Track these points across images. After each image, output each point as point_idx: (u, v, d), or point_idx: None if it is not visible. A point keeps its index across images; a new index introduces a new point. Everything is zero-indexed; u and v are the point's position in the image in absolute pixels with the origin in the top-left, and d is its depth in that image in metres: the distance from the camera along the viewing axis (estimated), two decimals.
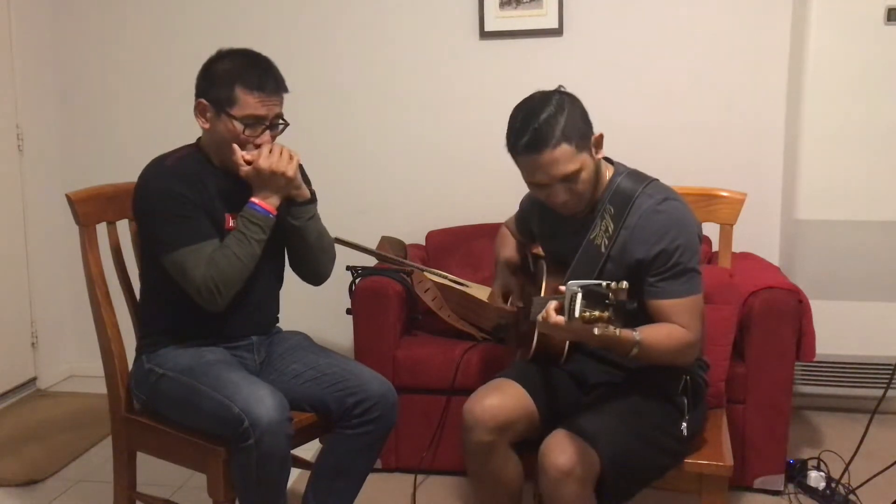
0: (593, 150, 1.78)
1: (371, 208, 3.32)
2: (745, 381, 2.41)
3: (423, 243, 3.16)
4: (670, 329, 1.75)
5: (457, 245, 3.07)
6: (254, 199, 1.91)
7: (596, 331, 1.49)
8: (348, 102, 3.30)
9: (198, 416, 1.86)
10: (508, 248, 2.21)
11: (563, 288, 1.56)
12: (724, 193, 2.33)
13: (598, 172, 1.81)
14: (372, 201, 3.33)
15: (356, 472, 2.02)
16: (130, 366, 2.06)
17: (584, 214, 1.86)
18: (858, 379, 2.94)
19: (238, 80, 1.86)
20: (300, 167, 1.96)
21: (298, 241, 2.03)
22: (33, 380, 3.52)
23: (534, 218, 2.07)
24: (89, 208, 2.03)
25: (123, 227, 2.11)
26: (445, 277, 2.79)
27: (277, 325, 2.19)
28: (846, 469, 2.37)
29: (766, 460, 2.45)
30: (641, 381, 1.86)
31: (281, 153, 1.89)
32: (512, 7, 3.12)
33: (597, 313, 1.45)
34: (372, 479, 2.09)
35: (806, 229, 2.93)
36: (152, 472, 2.37)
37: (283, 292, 2.16)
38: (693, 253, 1.78)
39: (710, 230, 2.47)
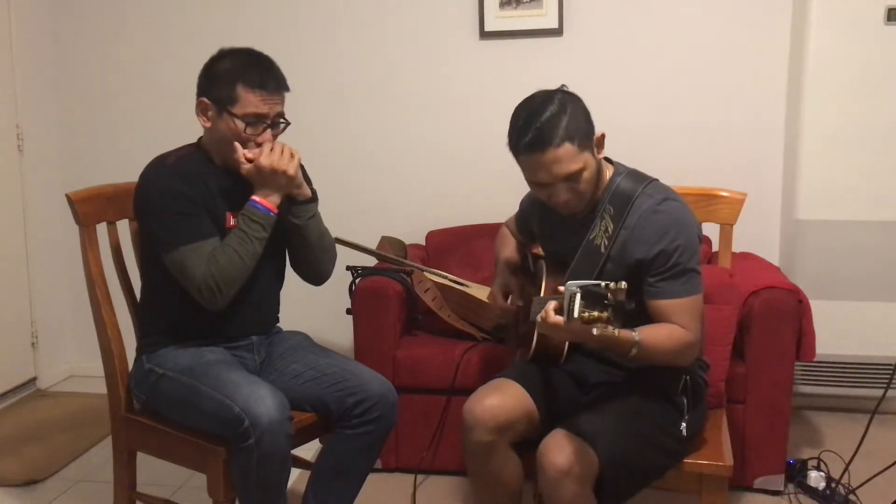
0: (595, 149, 1.78)
1: (371, 208, 3.32)
2: (745, 381, 2.41)
3: (423, 243, 3.16)
4: (670, 329, 1.75)
5: (457, 245, 3.07)
6: (255, 198, 1.91)
7: (595, 331, 1.49)
8: (348, 102, 3.30)
9: (198, 415, 1.86)
10: (508, 248, 2.21)
11: (562, 288, 1.56)
12: (724, 193, 2.33)
13: (599, 172, 1.82)
14: (372, 201, 3.33)
15: (356, 472, 2.02)
16: (130, 366, 2.06)
17: (583, 214, 1.86)
18: (858, 379, 2.94)
19: (240, 78, 1.86)
20: (301, 166, 1.96)
21: (299, 240, 2.03)
22: (33, 380, 3.52)
23: (534, 218, 2.07)
24: (89, 208, 2.03)
25: (123, 227, 2.11)
26: (445, 277, 2.79)
27: (278, 324, 2.19)
28: (846, 469, 2.37)
29: (766, 460, 2.45)
30: (641, 381, 1.86)
31: (282, 151, 1.89)
32: (512, 7, 3.12)
33: (595, 313, 1.45)
34: (372, 479, 2.09)
35: (806, 229, 2.93)
36: (152, 472, 2.37)
37: (283, 292, 2.16)
38: (693, 253, 1.78)
39: (710, 230, 2.48)
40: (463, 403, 1.86)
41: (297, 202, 1.98)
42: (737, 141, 3.07)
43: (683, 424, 1.82)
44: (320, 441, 2.09)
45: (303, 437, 1.98)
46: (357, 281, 2.68)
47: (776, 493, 2.46)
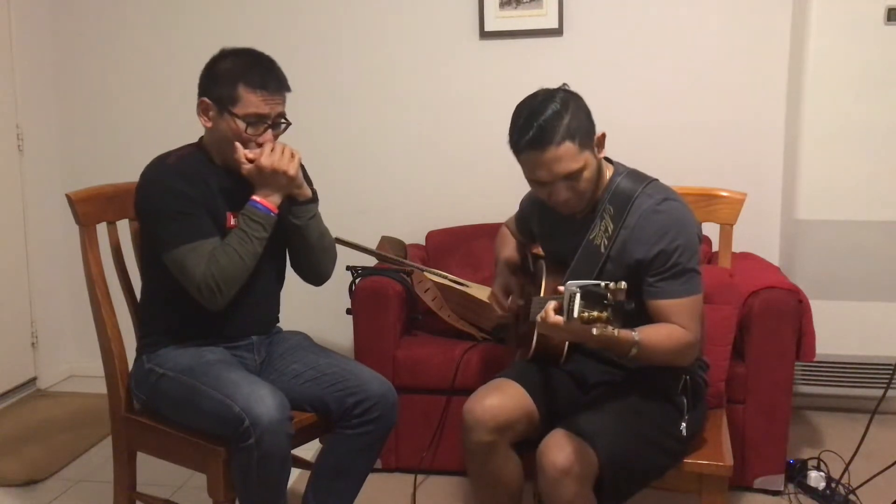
0: (596, 149, 1.78)
1: (371, 208, 3.32)
2: (745, 381, 2.41)
3: (423, 243, 3.16)
4: (670, 329, 1.75)
5: (457, 245, 3.07)
6: (255, 198, 1.91)
7: (594, 331, 1.49)
8: (348, 102, 3.30)
9: (198, 415, 1.86)
10: (508, 248, 2.21)
11: (561, 288, 1.56)
12: (724, 193, 2.33)
13: (599, 172, 1.82)
14: (372, 201, 3.33)
15: (356, 472, 2.02)
16: (130, 366, 2.06)
17: (583, 214, 1.86)
18: (858, 379, 2.94)
19: (241, 78, 1.87)
20: (301, 166, 1.96)
21: (300, 240, 2.03)
22: (33, 380, 3.52)
23: (534, 218, 2.07)
24: (89, 208, 2.03)
25: (123, 227, 2.11)
26: (445, 277, 2.79)
27: (278, 324, 2.19)
28: (846, 469, 2.37)
29: (766, 460, 2.45)
30: (641, 381, 1.86)
31: (283, 152, 1.89)
32: (512, 7, 3.12)
33: (595, 313, 1.45)
34: (372, 479, 2.09)
35: (806, 229, 2.93)
36: (152, 472, 2.37)
37: (283, 292, 2.16)
38: (692, 253, 1.78)
39: (710, 230, 2.48)
40: (463, 403, 1.86)
41: (298, 202, 1.98)
42: (737, 141, 3.07)
43: (683, 424, 1.82)
44: (320, 441, 2.09)
45: (303, 437, 1.98)
46: (357, 281, 2.68)
47: (776, 493, 2.46)
